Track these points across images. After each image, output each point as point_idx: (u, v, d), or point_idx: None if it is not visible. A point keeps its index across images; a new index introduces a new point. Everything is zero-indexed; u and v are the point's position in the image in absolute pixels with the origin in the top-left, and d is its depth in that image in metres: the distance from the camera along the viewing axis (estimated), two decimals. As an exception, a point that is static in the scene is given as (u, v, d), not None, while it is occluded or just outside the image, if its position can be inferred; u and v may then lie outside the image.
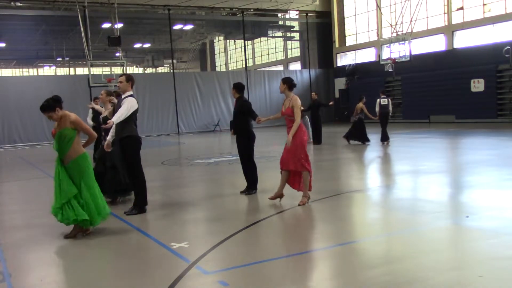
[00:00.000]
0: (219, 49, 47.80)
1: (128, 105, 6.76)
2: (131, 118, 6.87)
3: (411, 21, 23.36)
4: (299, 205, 7.06)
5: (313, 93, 17.94)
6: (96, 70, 27.25)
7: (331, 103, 18.68)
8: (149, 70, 49.06)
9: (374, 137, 16.20)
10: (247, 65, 32.57)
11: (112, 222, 6.75)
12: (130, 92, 7.00)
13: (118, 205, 7.75)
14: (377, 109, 15.50)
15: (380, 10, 27.68)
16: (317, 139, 16.55)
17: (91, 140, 6.15)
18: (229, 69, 45.34)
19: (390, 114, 15.85)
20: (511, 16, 22.74)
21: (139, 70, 50.56)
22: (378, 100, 15.51)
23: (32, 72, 51.07)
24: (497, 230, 5.33)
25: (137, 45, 40.28)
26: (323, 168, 11.42)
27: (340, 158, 13.20)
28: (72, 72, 46.25)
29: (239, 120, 8.16)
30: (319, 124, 16.69)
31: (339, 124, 29.53)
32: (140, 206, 7.07)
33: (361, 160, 12.82)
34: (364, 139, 15.68)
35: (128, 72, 25.24)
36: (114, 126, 6.86)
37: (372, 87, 28.87)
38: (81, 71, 45.84)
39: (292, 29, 37.01)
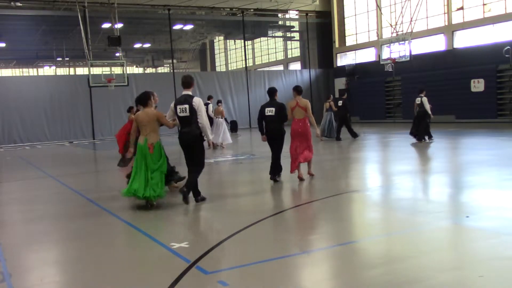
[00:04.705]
0: (219, 49, 47.78)
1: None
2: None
3: (411, 21, 23.33)
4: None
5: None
6: (96, 70, 27.23)
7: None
8: (149, 70, 49.08)
9: (373, 136, 16.17)
10: (247, 65, 32.55)
11: (112, 222, 6.76)
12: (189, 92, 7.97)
13: None
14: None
15: (380, 10, 27.66)
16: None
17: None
18: (229, 69, 45.32)
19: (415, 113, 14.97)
20: (511, 16, 22.73)
21: (139, 70, 50.58)
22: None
23: (32, 72, 51.08)
24: (497, 230, 5.33)
25: (137, 45, 40.28)
26: (323, 168, 11.41)
27: (340, 158, 13.19)
28: (72, 72, 46.27)
29: (278, 122, 8.81)
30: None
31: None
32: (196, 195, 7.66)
33: (362, 159, 12.81)
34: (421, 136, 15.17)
35: (128, 72, 25.20)
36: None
37: (372, 87, 28.96)
38: (81, 71, 45.86)
39: (292, 29, 36.99)
